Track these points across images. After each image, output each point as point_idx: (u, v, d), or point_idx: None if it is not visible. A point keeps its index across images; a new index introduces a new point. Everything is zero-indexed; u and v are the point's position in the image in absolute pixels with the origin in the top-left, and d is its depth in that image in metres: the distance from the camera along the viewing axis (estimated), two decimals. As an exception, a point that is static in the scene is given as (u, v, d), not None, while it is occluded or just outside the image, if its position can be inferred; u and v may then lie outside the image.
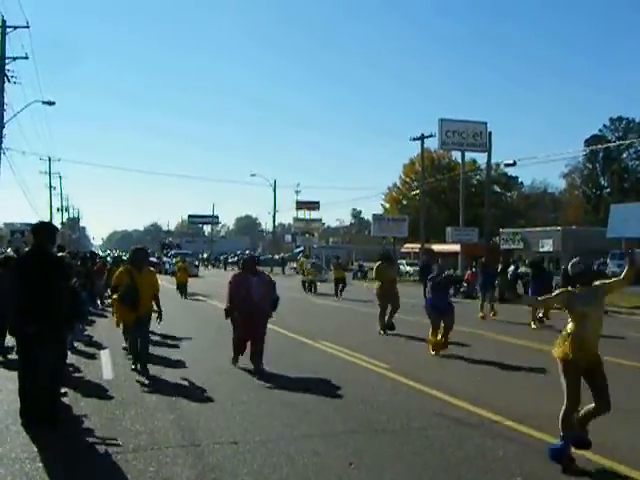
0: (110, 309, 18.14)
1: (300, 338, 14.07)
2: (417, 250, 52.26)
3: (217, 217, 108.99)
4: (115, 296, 9.96)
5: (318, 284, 32.42)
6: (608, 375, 5.85)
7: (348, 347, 12.52)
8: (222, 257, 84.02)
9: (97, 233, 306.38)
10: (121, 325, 10.71)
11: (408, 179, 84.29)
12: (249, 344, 10.35)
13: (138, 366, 9.74)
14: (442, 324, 12.34)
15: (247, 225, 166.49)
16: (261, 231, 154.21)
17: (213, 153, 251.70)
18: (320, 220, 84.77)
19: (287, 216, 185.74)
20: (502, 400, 8.25)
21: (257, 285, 10.21)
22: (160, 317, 10.17)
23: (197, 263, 54.39)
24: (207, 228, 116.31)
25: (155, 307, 10.10)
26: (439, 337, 12.27)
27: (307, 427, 6.92)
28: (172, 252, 61.07)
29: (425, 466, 5.66)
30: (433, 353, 12.10)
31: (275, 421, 7.15)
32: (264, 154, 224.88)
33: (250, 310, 10.03)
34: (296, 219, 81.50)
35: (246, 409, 7.71)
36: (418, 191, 56.62)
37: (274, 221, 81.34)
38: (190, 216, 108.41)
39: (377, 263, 16.67)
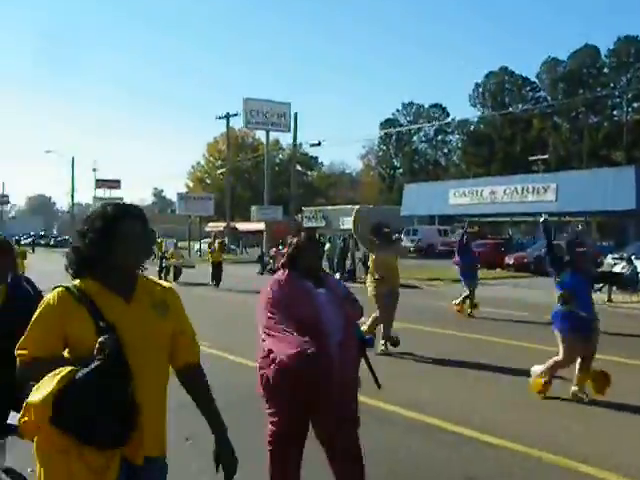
0: None
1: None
2: (222, 229, 52.34)
3: (7, 196, 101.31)
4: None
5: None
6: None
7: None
8: (13, 239, 78.30)
9: None
10: None
11: (212, 158, 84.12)
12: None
13: None
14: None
15: (40, 205, 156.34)
16: (56, 211, 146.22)
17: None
18: (121, 199, 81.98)
19: (87, 196, 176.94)
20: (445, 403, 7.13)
21: (330, 307, 3.96)
22: None
23: None
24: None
25: None
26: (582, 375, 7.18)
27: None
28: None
29: (409, 453, 5.56)
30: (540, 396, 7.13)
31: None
32: (61, 130, 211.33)
33: (322, 363, 3.73)
34: (96, 198, 78.22)
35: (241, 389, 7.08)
36: (223, 170, 56.59)
37: (73, 200, 77.40)
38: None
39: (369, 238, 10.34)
